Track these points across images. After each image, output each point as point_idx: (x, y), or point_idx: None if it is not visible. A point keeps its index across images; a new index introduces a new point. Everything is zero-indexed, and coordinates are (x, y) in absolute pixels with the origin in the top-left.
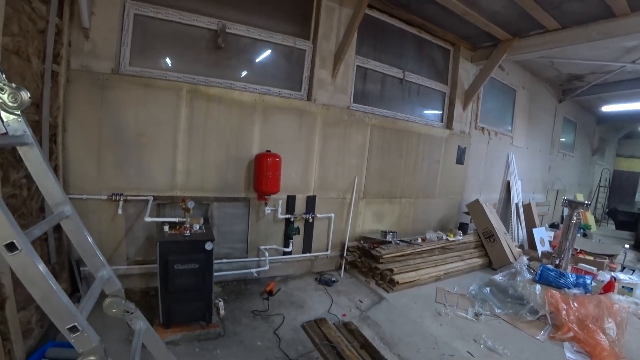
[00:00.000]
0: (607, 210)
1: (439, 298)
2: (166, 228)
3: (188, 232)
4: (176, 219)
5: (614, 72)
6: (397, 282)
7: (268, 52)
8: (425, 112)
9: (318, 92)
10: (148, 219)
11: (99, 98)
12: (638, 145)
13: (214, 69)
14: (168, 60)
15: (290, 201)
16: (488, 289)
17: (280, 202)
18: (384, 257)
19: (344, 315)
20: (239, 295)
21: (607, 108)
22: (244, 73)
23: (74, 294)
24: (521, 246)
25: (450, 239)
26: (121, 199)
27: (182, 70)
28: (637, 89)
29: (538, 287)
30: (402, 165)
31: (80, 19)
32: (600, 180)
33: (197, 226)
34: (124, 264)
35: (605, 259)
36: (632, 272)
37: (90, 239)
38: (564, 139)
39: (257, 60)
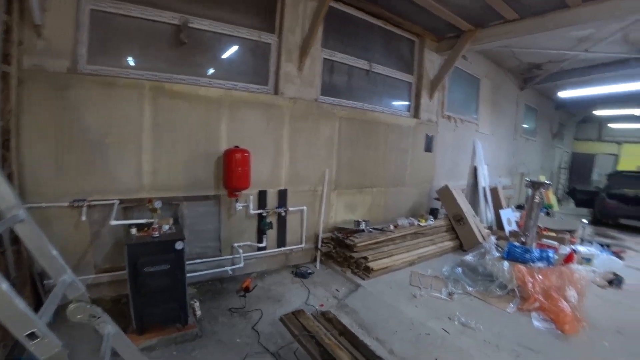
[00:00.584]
0: (567, 190)
1: (413, 281)
2: (134, 231)
3: (157, 233)
4: (144, 221)
5: (569, 61)
6: (372, 269)
7: (233, 47)
8: (393, 102)
9: (285, 86)
10: (113, 223)
11: (56, 99)
12: (593, 128)
13: (178, 65)
14: (129, 58)
15: (262, 196)
16: (460, 269)
17: (252, 197)
18: (357, 245)
19: (322, 305)
20: (215, 294)
21: (563, 94)
22: (209, 69)
23: (39, 309)
24: (490, 227)
25: (422, 224)
26: (85, 205)
27: (145, 68)
28: (589, 75)
29: (506, 263)
30: (372, 155)
31: (32, 15)
32: (560, 163)
33: (167, 227)
34: (91, 273)
35: (566, 234)
36: (589, 244)
37: (48, 243)
38: (526, 125)
39: (222, 55)
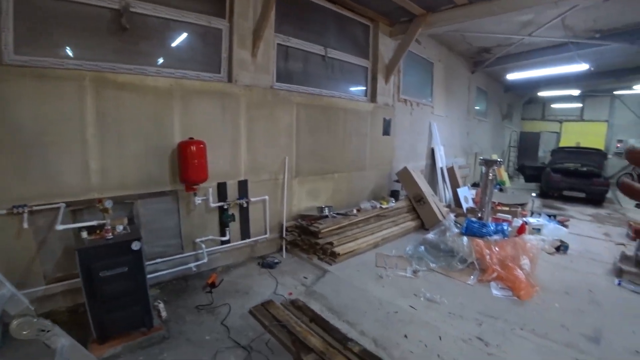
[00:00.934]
0: (517, 166)
1: (379, 263)
2: (84, 234)
3: (110, 234)
4: (94, 223)
5: (515, 45)
6: (338, 254)
7: (181, 33)
8: (350, 87)
9: (239, 73)
10: (60, 227)
11: None
12: (537, 109)
13: (121, 54)
14: (66, 47)
15: (222, 188)
16: (422, 247)
17: (211, 190)
18: (322, 231)
19: (290, 293)
20: (181, 293)
21: (511, 76)
22: (156, 57)
23: None
24: (448, 205)
25: (384, 206)
26: (25, 211)
27: (84, 57)
28: (533, 58)
29: (465, 238)
30: (331, 141)
31: None
32: (510, 142)
33: (121, 227)
34: (42, 284)
35: (518, 208)
36: (538, 215)
37: None
38: (478, 107)
39: (170, 42)
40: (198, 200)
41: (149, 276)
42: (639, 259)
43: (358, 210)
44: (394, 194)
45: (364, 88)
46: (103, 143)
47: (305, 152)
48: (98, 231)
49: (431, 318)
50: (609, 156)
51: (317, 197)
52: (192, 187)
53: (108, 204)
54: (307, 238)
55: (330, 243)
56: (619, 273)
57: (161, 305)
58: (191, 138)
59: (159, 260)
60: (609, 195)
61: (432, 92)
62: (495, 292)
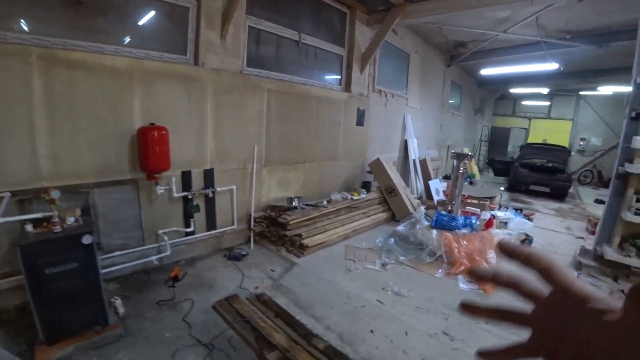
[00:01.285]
0: (487, 160)
1: (348, 255)
2: (29, 227)
3: (58, 227)
4: (40, 215)
5: (490, 40)
6: (307, 246)
7: (143, 10)
8: (324, 75)
9: (206, 56)
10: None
11: None
12: (508, 105)
13: (74, 29)
14: (9, 18)
15: (186, 177)
16: (392, 239)
17: (174, 179)
18: (290, 223)
19: (257, 287)
20: (142, 287)
21: (485, 72)
22: (115, 34)
23: None
24: (420, 198)
25: (355, 197)
26: None
27: (31, 31)
28: (507, 55)
29: (434, 231)
30: (303, 130)
31: None
32: (481, 136)
33: (72, 219)
34: None
35: (487, 201)
36: (506, 209)
37: None
38: (452, 101)
39: (131, 19)
40: (160, 189)
41: (107, 270)
42: (596, 253)
43: (328, 202)
44: (366, 185)
45: (339, 77)
46: (54, 127)
47: (275, 140)
48: (45, 224)
49: (398, 312)
50: (572, 153)
51: (287, 187)
52: (154, 176)
53: (55, 194)
54: (275, 230)
55: (299, 235)
56: (579, 266)
57: (118, 302)
58: (152, 124)
59: (118, 253)
60: (571, 190)
61: (407, 84)
62: (462, 285)
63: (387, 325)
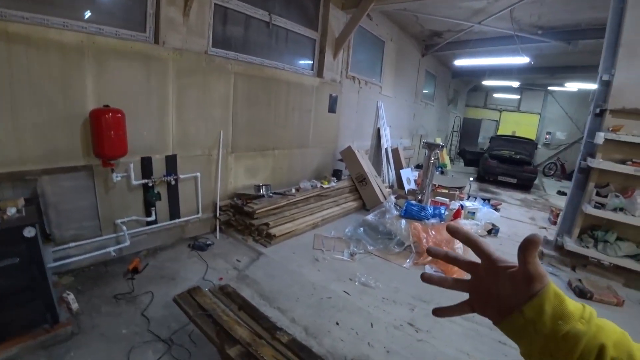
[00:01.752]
0: (458, 151)
1: (316, 245)
2: None
3: None
4: None
5: (465, 31)
6: (275, 236)
7: None
8: (295, 59)
9: (168, 34)
10: None
11: None
12: (480, 97)
13: None
14: None
15: (146, 163)
16: (362, 229)
17: (132, 165)
18: (257, 212)
19: (221, 279)
20: (98, 280)
21: (459, 62)
22: (62, 6)
23: None
24: (391, 186)
25: (325, 186)
26: None
27: None
28: (481, 47)
29: (403, 221)
30: (272, 115)
31: None
32: (453, 126)
33: (14, 210)
34: None
35: (456, 191)
36: (474, 199)
37: None
38: (425, 90)
39: None
40: (117, 177)
41: (60, 263)
42: (557, 244)
43: (297, 190)
44: (337, 174)
45: (311, 62)
46: None
47: (243, 126)
48: None
49: (365, 304)
50: (539, 146)
51: (255, 174)
52: (110, 162)
53: None
54: (242, 218)
55: (267, 224)
56: (540, 256)
57: (71, 297)
58: (106, 106)
59: (72, 244)
60: (537, 181)
61: (381, 72)
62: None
63: (353, 317)
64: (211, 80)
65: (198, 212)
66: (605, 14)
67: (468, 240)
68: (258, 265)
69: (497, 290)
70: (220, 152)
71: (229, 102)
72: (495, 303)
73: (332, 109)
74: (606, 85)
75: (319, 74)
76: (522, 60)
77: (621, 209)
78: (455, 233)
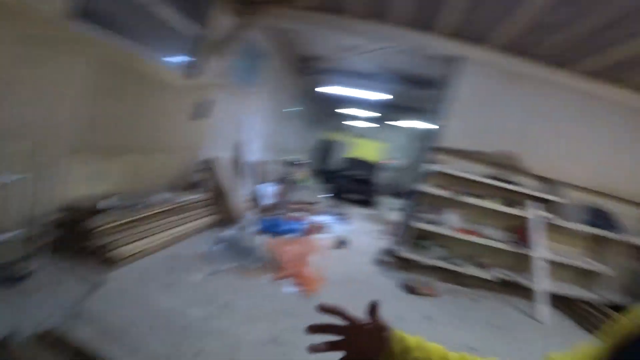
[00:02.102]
0: (316, 169)
1: (170, 265)
2: None
3: None
4: None
5: (335, 62)
6: (122, 257)
7: None
8: (169, 55)
9: None
10: None
11: None
12: (337, 121)
13: None
14: None
15: None
16: (220, 245)
17: None
18: (100, 228)
19: (47, 320)
20: None
21: (325, 89)
22: None
23: None
24: (251, 201)
25: (183, 199)
26: None
27: None
28: (347, 78)
29: (262, 237)
30: (129, 113)
31: None
32: (313, 145)
33: None
34: None
35: (312, 207)
36: (328, 214)
37: None
38: (294, 108)
39: None
40: None
41: None
42: (394, 252)
43: (151, 202)
44: (196, 185)
45: (184, 59)
46: None
47: (91, 121)
48: None
49: (226, 325)
50: (382, 169)
51: (102, 181)
52: None
53: None
54: (80, 236)
55: (111, 243)
56: (381, 262)
57: None
58: None
59: None
60: (379, 199)
61: (256, 84)
62: (286, 289)
63: (216, 342)
64: (61, 56)
65: (15, 229)
66: (444, 72)
67: (335, 310)
68: (99, 296)
69: (358, 346)
70: (55, 151)
71: (78, 88)
72: (357, 357)
73: (199, 114)
74: (440, 130)
75: (192, 75)
76: (380, 96)
77: (435, 223)
78: (327, 310)
